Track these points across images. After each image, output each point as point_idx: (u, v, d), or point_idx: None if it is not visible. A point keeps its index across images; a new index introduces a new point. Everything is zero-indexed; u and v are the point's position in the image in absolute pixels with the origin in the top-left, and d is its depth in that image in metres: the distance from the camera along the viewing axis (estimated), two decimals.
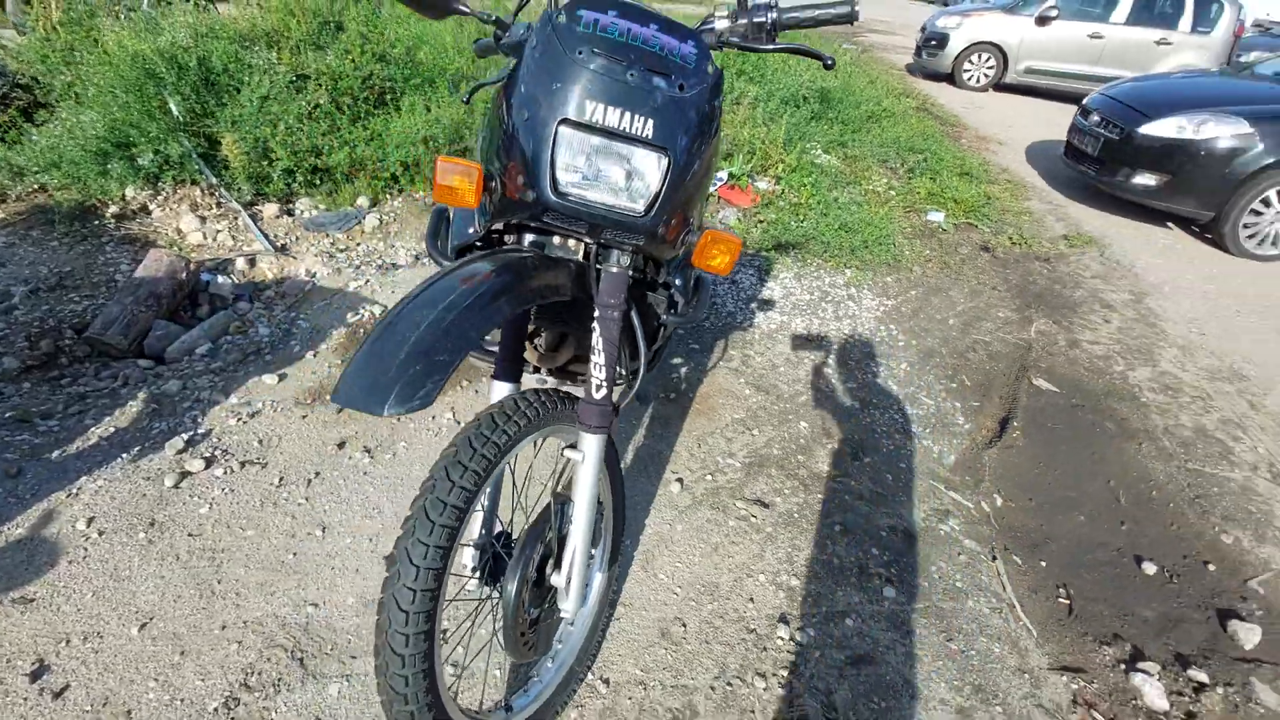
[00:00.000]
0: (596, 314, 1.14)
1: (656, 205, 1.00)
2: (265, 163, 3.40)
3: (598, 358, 1.13)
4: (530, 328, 1.52)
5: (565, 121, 0.94)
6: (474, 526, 1.19)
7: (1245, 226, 4.22)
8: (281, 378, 2.24)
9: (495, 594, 1.19)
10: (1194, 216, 4.44)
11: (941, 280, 3.65)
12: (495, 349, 1.30)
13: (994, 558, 1.97)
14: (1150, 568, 2.01)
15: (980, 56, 9.03)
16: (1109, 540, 2.11)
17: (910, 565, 1.88)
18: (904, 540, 1.96)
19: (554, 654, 1.35)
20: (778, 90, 5.43)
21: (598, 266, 1.16)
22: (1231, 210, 4.20)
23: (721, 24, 1.17)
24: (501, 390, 1.27)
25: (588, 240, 1.11)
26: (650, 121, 0.94)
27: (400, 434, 2.07)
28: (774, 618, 1.65)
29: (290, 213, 3.38)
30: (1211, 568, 2.04)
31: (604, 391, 1.14)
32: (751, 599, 1.69)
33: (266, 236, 3.10)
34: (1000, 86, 9.20)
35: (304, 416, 2.09)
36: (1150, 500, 2.28)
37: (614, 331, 1.14)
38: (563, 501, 1.23)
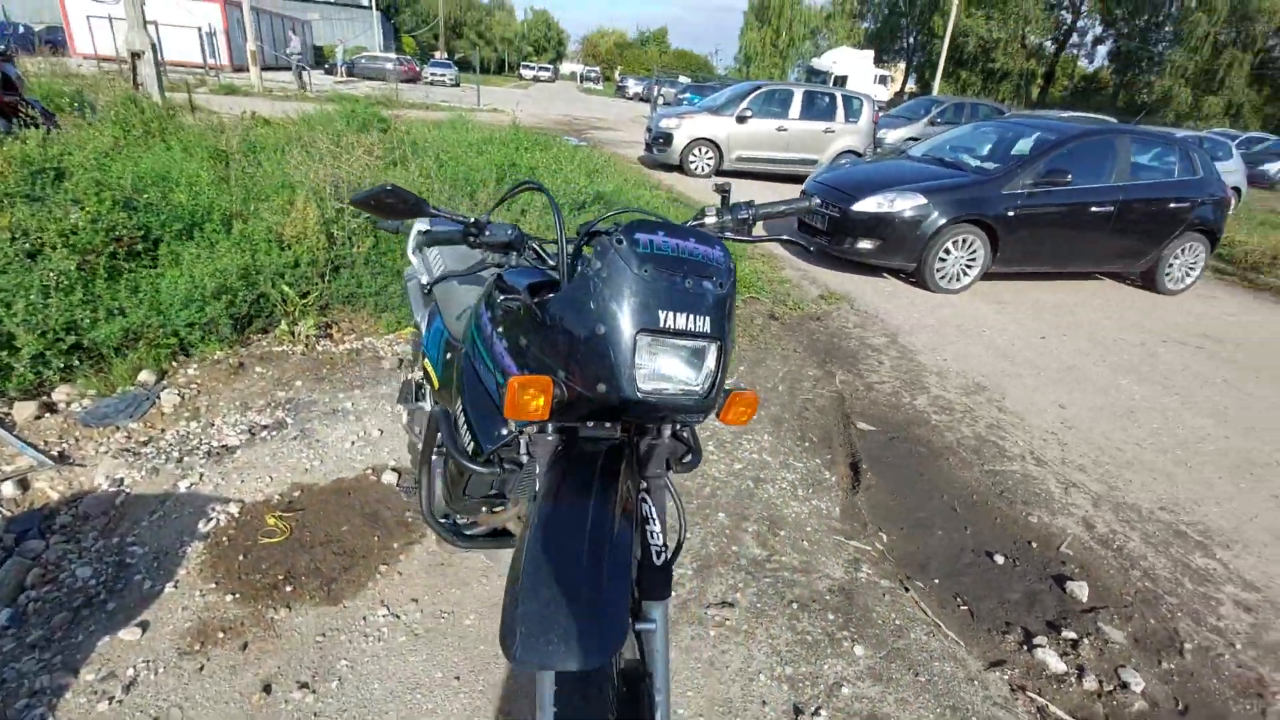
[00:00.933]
0: (646, 485, 1.19)
1: (714, 386, 1.11)
2: (3, 353, 2.72)
3: (654, 525, 1.18)
4: (500, 501, 1.48)
5: (643, 330, 1.02)
6: None
7: (937, 270, 5.57)
8: (144, 627, 1.79)
9: None
10: (903, 268, 5.74)
11: (755, 352, 4.19)
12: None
13: (906, 589, 2.32)
14: (999, 559, 2.53)
15: (702, 149, 10.62)
16: (964, 544, 2.60)
17: (860, 618, 2.13)
18: (843, 597, 2.21)
19: None
20: (562, 199, 5.82)
21: (637, 439, 1.22)
22: (926, 260, 5.52)
23: (711, 220, 1.35)
24: None
25: (650, 423, 1.17)
26: (706, 319, 1.06)
27: (330, 652, 1.79)
28: (790, 711, 1.75)
29: (53, 409, 2.72)
30: (1034, 545, 2.63)
31: (665, 556, 1.19)
32: (764, 701, 1.78)
33: (34, 446, 2.46)
34: (721, 172, 10.88)
35: (200, 668, 1.69)
36: (974, 503, 2.86)
37: (664, 497, 1.20)
38: (633, 678, 1.22)
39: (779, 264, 6.20)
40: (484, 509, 1.45)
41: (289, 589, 1.97)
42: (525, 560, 0.91)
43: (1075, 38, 44.99)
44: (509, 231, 1.28)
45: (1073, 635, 2.17)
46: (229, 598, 1.91)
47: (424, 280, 2.08)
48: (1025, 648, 2.11)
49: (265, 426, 2.79)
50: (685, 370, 1.07)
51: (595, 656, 0.81)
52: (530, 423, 1.19)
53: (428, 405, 1.97)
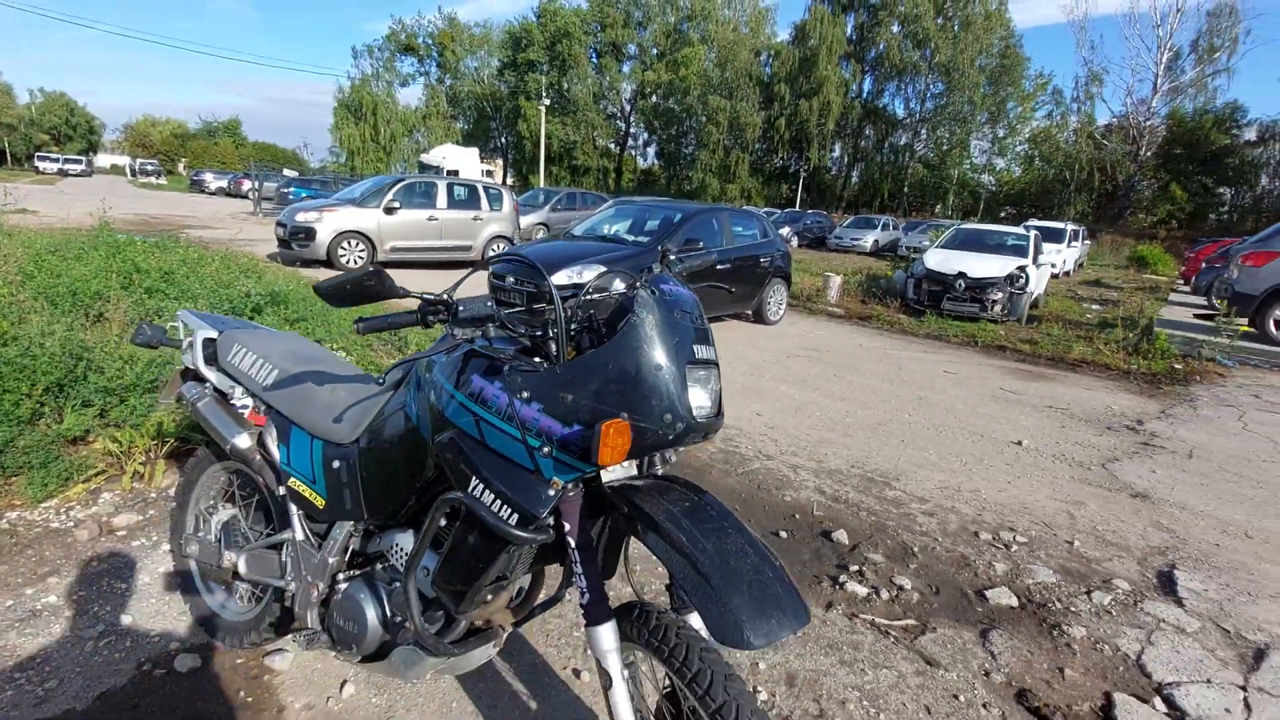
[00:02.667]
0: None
1: (720, 405, 1.32)
2: None
3: None
4: (504, 582, 1.42)
5: (691, 362, 1.19)
6: None
7: None
8: None
9: None
10: None
11: None
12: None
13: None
14: (783, 534, 3.15)
15: (352, 242, 10.15)
16: (756, 530, 3.17)
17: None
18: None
19: None
20: (231, 304, 5.02)
21: (650, 471, 1.35)
22: None
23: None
24: (609, 632, 1.26)
25: (682, 447, 1.30)
26: (713, 348, 1.28)
27: None
28: None
29: None
30: (797, 516, 3.33)
31: None
32: None
33: None
34: (376, 263, 10.52)
35: None
36: (746, 499, 3.48)
37: None
38: None
39: None
40: (489, 596, 1.34)
41: None
42: (694, 569, 1.00)
43: (631, 141, 56.26)
44: (487, 305, 1.30)
45: (856, 567, 2.86)
46: None
47: (237, 395, 1.76)
48: (837, 587, 2.71)
49: None
50: (704, 395, 1.26)
51: (804, 615, 0.95)
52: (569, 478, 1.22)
53: (298, 533, 1.66)
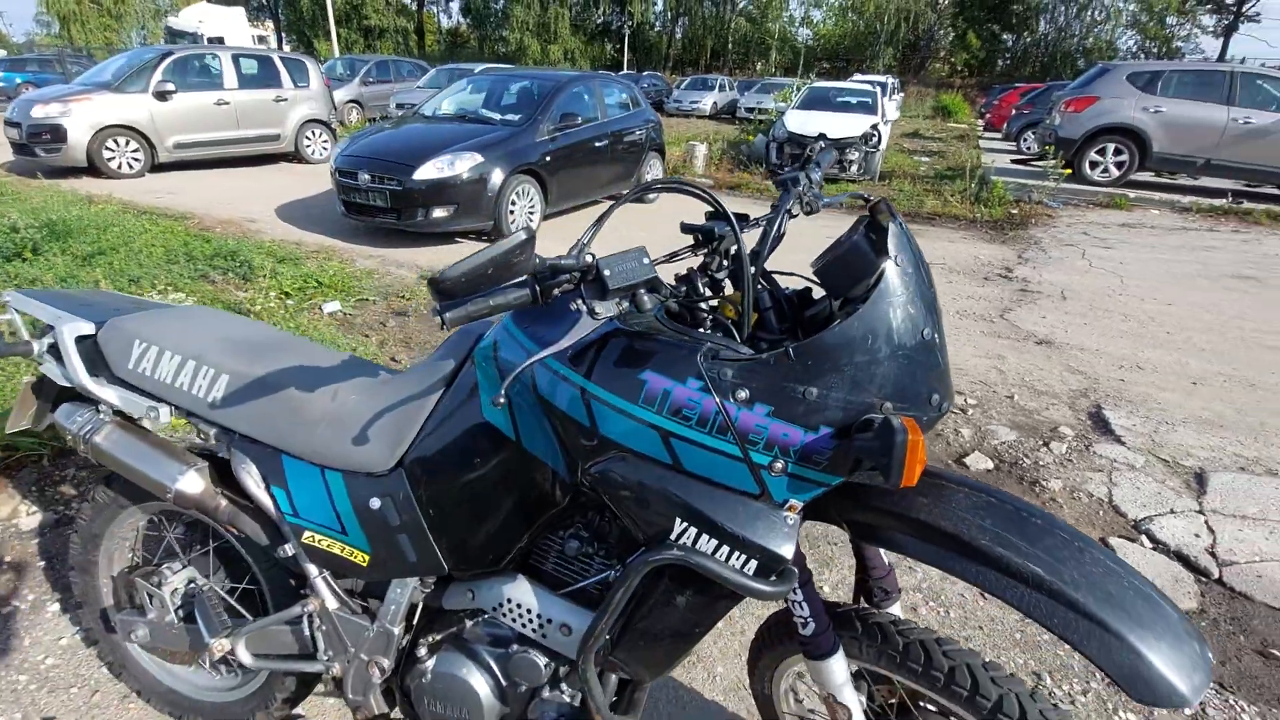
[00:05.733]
0: None
1: None
2: None
3: None
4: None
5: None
6: None
7: (511, 224, 5.76)
8: None
9: None
10: (480, 229, 5.72)
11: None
12: None
13: None
14: None
15: (121, 141, 7.98)
16: None
17: None
18: None
19: None
20: None
21: None
22: (500, 215, 5.62)
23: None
24: (840, 663, 1.00)
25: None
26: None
27: None
28: None
29: None
30: None
31: None
32: None
33: None
34: (158, 167, 8.47)
35: None
36: None
37: None
38: None
39: (340, 253, 5.36)
40: None
41: None
42: (1067, 605, 0.75)
43: None
44: (643, 260, 0.84)
45: None
46: None
47: (163, 416, 1.17)
48: None
49: None
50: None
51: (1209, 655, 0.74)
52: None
53: (329, 602, 1.17)
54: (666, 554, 0.85)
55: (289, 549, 1.14)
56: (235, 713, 1.42)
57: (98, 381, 1.19)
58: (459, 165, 5.33)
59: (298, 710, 1.45)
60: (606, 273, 0.79)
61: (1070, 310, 4.77)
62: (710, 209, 0.99)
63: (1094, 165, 8.98)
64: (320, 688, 1.52)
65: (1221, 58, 32.31)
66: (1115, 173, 8.90)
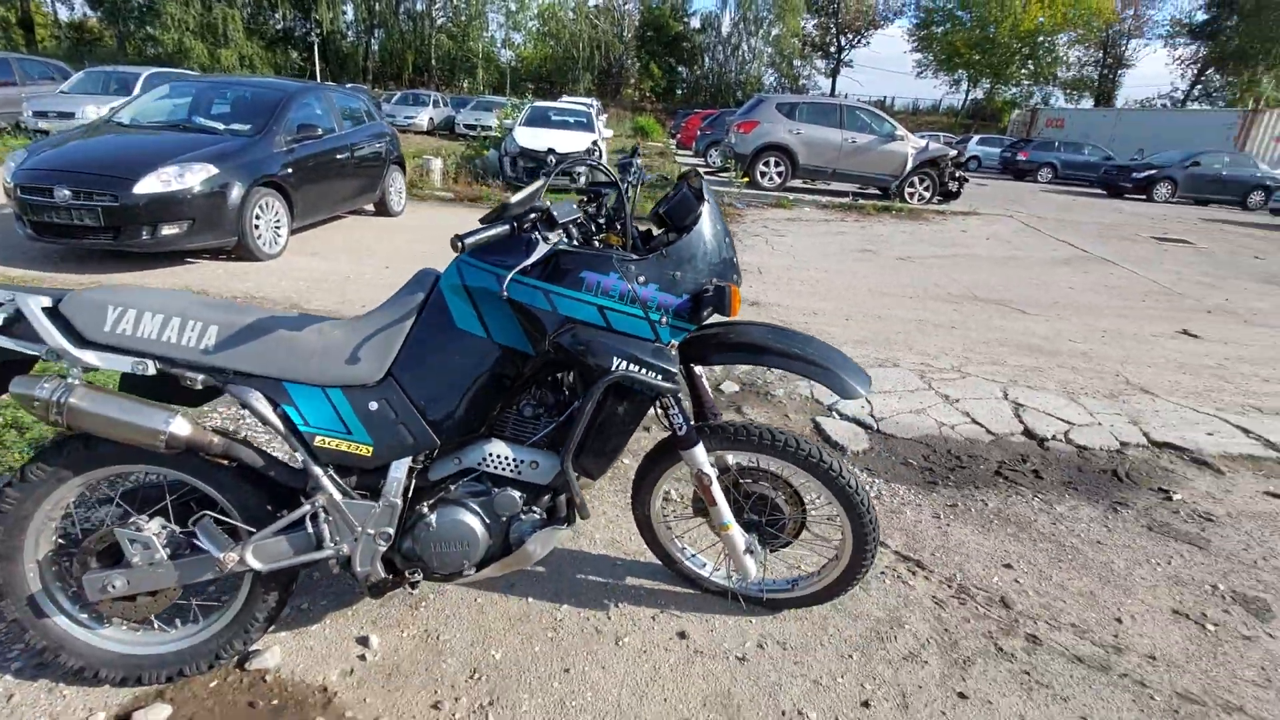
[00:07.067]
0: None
1: None
2: None
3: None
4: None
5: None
6: None
7: (258, 238, 5.46)
8: None
9: None
10: (221, 246, 5.30)
11: None
12: None
13: None
14: None
15: None
16: None
17: None
18: None
19: None
20: None
21: None
22: (245, 230, 5.30)
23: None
24: (701, 450, 1.66)
25: None
26: None
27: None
28: None
29: None
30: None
31: None
32: None
33: None
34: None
35: None
36: None
37: None
38: None
39: (39, 286, 4.61)
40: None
41: None
42: (804, 360, 1.49)
43: None
44: (573, 207, 1.41)
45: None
46: None
47: (150, 369, 1.37)
48: None
49: None
50: None
51: (869, 378, 1.54)
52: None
53: (335, 494, 1.46)
54: (614, 376, 1.41)
55: (300, 457, 1.42)
56: (202, 653, 1.56)
57: (81, 348, 1.31)
58: (189, 178, 4.92)
59: (256, 645, 1.65)
60: (555, 213, 1.34)
61: (765, 281, 6.26)
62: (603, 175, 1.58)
63: (763, 174, 11.39)
64: (264, 640, 1.70)
65: (832, 93, 41.83)
66: (778, 180, 11.42)
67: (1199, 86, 41.18)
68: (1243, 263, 9.44)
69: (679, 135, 23.98)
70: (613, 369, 1.42)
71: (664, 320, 1.46)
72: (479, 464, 1.54)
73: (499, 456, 1.54)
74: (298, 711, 1.55)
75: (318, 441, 1.43)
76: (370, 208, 7.89)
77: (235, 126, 5.85)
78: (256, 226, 5.46)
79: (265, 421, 1.39)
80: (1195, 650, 1.99)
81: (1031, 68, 41.50)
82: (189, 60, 34.09)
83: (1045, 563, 2.38)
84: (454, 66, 43.04)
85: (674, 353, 1.49)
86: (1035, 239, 9.99)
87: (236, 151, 5.37)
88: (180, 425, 1.36)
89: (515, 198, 1.34)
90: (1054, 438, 3.43)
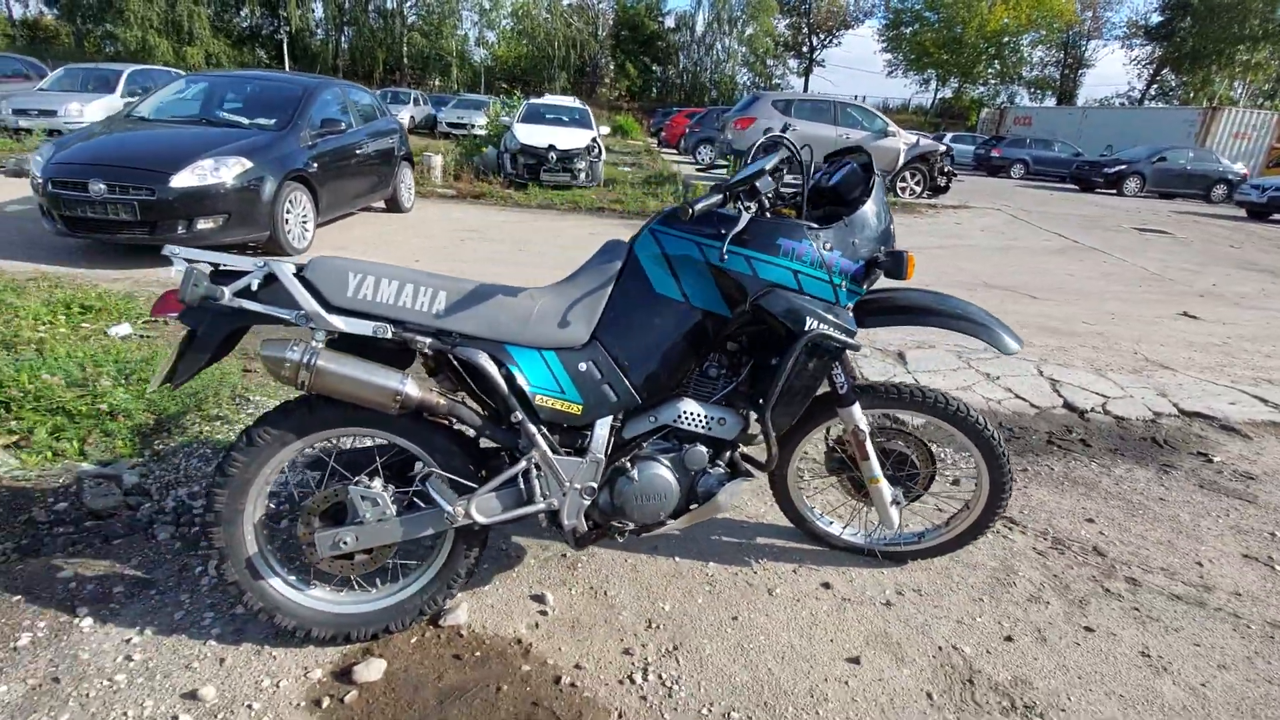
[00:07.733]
0: None
1: None
2: None
3: None
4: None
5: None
6: None
7: (288, 232, 5.44)
8: None
9: None
10: (254, 240, 5.28)
11: None
12: None
13: None
14: None
15: None
16: None
17: None
18: None
19: None
20: None
21: None
22: (277, 224, 5.29)
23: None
24: (858, 409, 1.79)
25: None
26: None
27: None
28: None
29: None
30: None
31: None
32: None
33: None
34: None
35: None
36: None
37: None
38: None
39: (68, 281, 4.54)
40: None
41: None
42: (966, 319, 1.63)
43: None
44: (769, 180, 1.53)
45: None
46: None
47: (389, 333, 1.45)
48: None
49: None
50: None
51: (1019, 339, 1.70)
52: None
53: (547, 451, 1.56)
54: (812, 334, 1.54)
55: (518, 416, 1.51)
56: (407, 609, 1.64)
57: (333, 314, 1.39)
58: (224, 172, 4.90)
59: (450, 603, 1.73)
60: (759, 184, 1.47)
61: None
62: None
63: None
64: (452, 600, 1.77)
65: (805, 92, 42.44)
66: None
67: (1155, 86, 42.75)
68: (1220, 250, 9.94)
69: (664, 133, 24.10)
70: (808, 328, 1.55)
71: (843, 285, 1.59)
72: (673, 421, 1.65)
73: (692, 414, 1.65)
74: (501, 661, 1.64)
75: (538, 400, 1.52)
76: (381, 204, 7.87)
77: (261, 121, 5.82)
78: (287, 220, 5.44)
79: (490, 381, 1.48)
80: (1271, 587, 2.19)
81: (998, 67, 42.66)
82: (153, 57, 33.18)
83: (1122, 517, 2.57)
84: (426, 65, 42.55)
85: (851, 315, 1.62)
86: (1026, 230, 10.37)
87: (267, 145, 5.35)
88: (412, 386, 1.44)
89: (737, 176, 1.46)
90: (1093, 410, 3.64)
